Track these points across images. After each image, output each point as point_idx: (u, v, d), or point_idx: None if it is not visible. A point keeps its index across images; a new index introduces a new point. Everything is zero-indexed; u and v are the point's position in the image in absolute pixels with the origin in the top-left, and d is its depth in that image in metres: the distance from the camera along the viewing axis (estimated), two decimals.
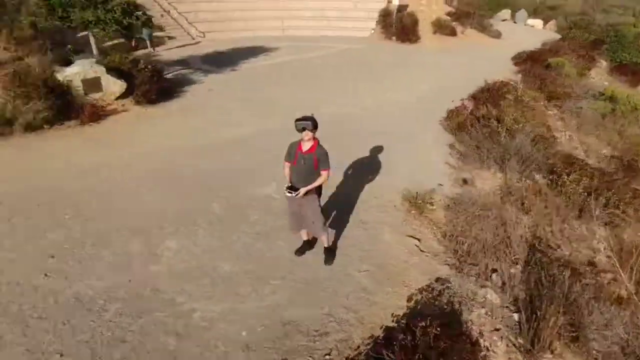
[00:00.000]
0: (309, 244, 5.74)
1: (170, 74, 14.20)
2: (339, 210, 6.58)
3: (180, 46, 19.49)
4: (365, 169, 7.90)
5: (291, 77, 14.71)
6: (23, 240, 5.59)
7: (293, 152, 4.83)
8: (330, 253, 5.62)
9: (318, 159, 4.84)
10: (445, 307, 4.91)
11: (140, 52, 17.28)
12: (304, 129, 4.73)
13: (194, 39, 21.05)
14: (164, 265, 5.29)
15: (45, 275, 5.05)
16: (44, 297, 4.71)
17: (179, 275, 5.13)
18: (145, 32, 17.56)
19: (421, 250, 5.99)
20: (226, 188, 7.00)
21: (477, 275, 5.63)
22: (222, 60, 16.53)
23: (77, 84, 10.06)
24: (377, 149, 8.63)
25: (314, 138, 4.88)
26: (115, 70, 10.91)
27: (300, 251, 5.63)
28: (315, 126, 4.81)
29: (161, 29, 20.58)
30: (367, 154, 8.54)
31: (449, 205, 7.00)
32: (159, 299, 4.76)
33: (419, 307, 4.93)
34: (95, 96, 10.39)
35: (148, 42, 18.12)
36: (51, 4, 10.58)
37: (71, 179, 7.18)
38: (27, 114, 8.88)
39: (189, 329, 4.43)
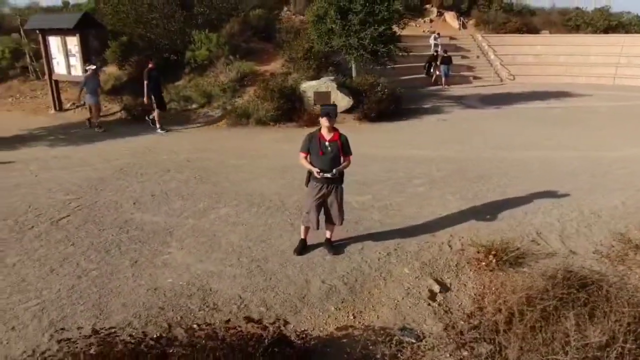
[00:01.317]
0: (306, 242, 5.45)
1: (428, 105, 14.76)
2: None
3: (481, 86, 19.58)
4: None
5: (553, 121, 12.62)
6: (194, 186, 7.80)
7: (315, 143, 4.94)
8: (333, 244, 5.38)
9: (342, 145, 4.99)
10: None
11: (433, 87, 18.57)
12: (327, 114, 4.93)
13: (502, 80, 20.69)
14: None
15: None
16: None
17: None
18: (443, 68, 18.71)
19: (430, 301, 4.60)
20: None
21: None
22: (498, 100, 15.79)
23: (309, 95, 12.11)
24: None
25: (334, 128, 5.05)
26: (349, 89, 12.44)
27: (301, 250, 5.35)
28: (336, 114, 5.14)
29: (471, 69, 21.21)
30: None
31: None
32: None
33: None
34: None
35: (443, 78, 19.07)
36: (320, 32, 13.13)
37: (257, 157, 9.13)
38: (260, 112, 11.45)
39: None
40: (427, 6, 28.20)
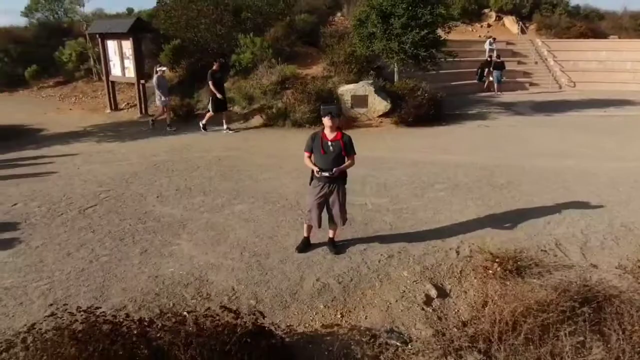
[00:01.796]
0: (309, 240, 5.51)
1: (473, 110, 14.39)
2: None
3: (537, 92, 18.82)
4: None
5: (605, 129, 11.89)
6: (217, 182, 8.19)
7: (318, 142, 5.02)
8: (335, 244, 5.42)
9: (345, 145, 5.01)
10: None
11: (484, 94, 18.09)
12: (329, 113, 4.97)
13: (560, 87, 19.76)
14: None
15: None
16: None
17: None
18: (495, 74, 18.20)
19: (424, 306, 4.53)
20: None
21: None
22: (551, 107, 15.09)
23: (347, 98, 12.17)
24: None
25: (338, 127, 5.08)
26: (388, 93, 12.38)
27: (303, 249, 5.41)
28: (338, 113, 5.10)
29: (528, 75, 20.43)
30: None
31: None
32: None
33: None
34: (360, 110, 12.21)
35: (496, 85, 18.51)
36: (362, 36, 13.18)
37: (285, 157, 9.48)
38: (297, 114, 11.66)
39: None
40: (486, 10, 27.45)
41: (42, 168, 8.78)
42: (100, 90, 16.61)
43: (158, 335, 3.58)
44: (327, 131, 5.02)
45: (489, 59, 19.01)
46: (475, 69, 19.27)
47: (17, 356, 3.18)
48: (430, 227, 5.95)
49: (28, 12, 27.91)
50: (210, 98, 11.78)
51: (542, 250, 5.35)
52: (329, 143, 4.97)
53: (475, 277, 5.01)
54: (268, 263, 5.10)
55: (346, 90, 12.26)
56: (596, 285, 4.67)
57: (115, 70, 14.58)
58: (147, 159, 9.24)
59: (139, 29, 13.57)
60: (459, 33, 24.84)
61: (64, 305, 3.60)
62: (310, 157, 5.07)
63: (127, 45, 13.68)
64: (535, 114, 14.20)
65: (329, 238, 5.37)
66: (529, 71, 20.73)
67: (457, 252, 5.35)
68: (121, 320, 3.64)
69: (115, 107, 15.17)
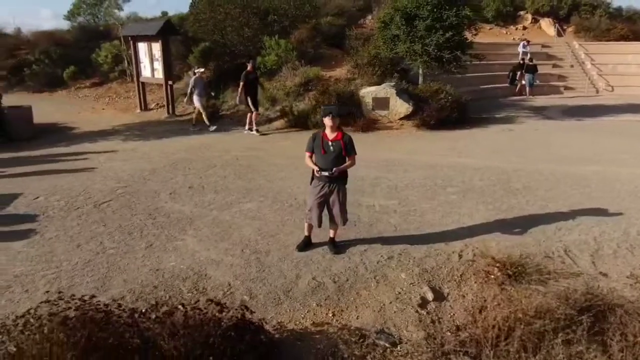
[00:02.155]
0: (310, 239, 5.55)
1: (501, 114, 14.11)
2: None
3: (572, 97, 18.25)
4: None
5: (632, 135, 11.43)
6: (230, 181, 8.31)
7: (318, 142, 5.06)
8: (336, 243, 5.43)
9: (345, 145, 5.02)
10: None
11: (515, 97, 17.72)
12: (330, 113, 5.01)
13: (597, 92, 19.09)
14: None
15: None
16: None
17: None
18: (527, 77, 17.81)
19: (419, 308, 4.50)
20: None
21: None
22: (584, 112, 14.60)
23: (368, 100, 12.16)
24: None
25: (338, 127, 5.11)
26: (410, 95, 12.28)
27: (304, 247, 5.44)
28: (338, 114, 5.12)
29: (563, 78, 19.86)
30: None
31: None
32: None
33: None
34: (381, 113, 12.16)
35: (528, 88, 18.08)
36: (386, 38, 13.15)
37: (301, 158, 9.58)
38: (318, 115, 11.70)
39: None
40: (521, 12, 26.81)
41: (67, 165, 9.16)
42: (132, 91, 17.15)
43: (145, 325, 3.68)
44: (327, 131, 5.04)
45: (521, 61, 18.54)
46: (507, 72, 18.84)
47: (13, 339, 3.33)
48: (436, 230, 5.88)
49: (70, 15, 29.13)
50: (248, 98, 11.75)
51: (548, 256, 5.19)
52: (330, 143, 4.99)
53: (475, 282, 4.92)
54: (267, 260, 5.15)
55: (367, 93, 12.23)
56: (601, 293, 4.51)
57: (146, 72, 15.04)
58: (167, 157, 9.50)
59: (168, 32, 13.94)
60: (492, 35, 24.42)
61: (59, 293, 3.73)
62: (311, 157, 5.11)
63: (157, 47, 14.09)
64: (565, 118, 13.76)
65: (330, 238, 5.39)
66: (565, 75, 20.12)
67: (460, 256, 5.26)
68: (113, 309, 3.76)
69: (145, 107, 15.64)
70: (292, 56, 13.96)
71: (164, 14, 22.85)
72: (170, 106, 14.55)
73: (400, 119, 12.08)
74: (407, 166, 8.61)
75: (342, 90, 12.14)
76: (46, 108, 16.29)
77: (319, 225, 5.24)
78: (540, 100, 17.26)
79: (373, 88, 12.35)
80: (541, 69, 19.03)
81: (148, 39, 14.25)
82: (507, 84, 18.70)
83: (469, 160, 8.92)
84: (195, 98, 12.35)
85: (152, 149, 10.43)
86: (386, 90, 12.07)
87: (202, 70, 12.55)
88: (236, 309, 3.94)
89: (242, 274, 4.88)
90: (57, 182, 7.90)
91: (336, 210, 5.15)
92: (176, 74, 17.20)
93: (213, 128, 12.25)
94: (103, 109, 16.37)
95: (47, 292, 4.13)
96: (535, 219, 6.14)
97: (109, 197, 7.07)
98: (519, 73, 18.54)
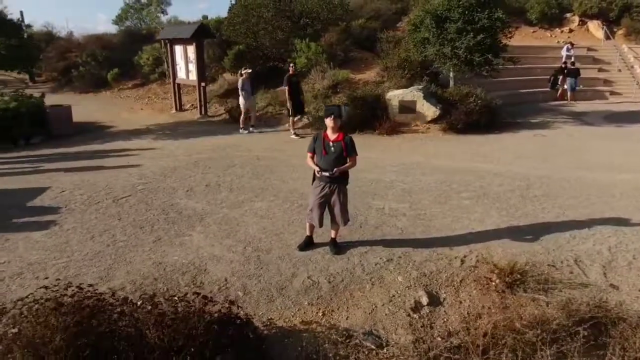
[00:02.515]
0: (311, 239, 5.61)
1: (536, 119, 13.72)
2: None
3: (617, 102, 17.44)
4: None
5: None
6: (246, 180, 8.49)
7: (320, 143, 5.12)
8: (337, 244, 5.48)
9: (346, 145, 5.07)
10: None
11: (556, 102, 17.17)
12: (331, 114, 5.08)
13: None
14: None
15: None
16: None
17: None
18: (569, 81, 17.23)
19: (411, 312, 4.48)
20: None
21: None
22: (627, 118, 13.93)
23: (395, 103, 12.08)
24: None
25: (340, 129, 5.17)
26: (439, 99, 12.13)
27: (305, 247, 5.50)
28: (340, 115, 5.18)
29: (609, 83, 19.02)
30: None
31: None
32: None
33: None
34: (407, 116, 12.06)
35: (569, 93, 17.45)
36: (416, 41, 13.04)
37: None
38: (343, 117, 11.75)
39: None
40: (568, 15, 25.81)
41: (97, 161, 9.60)
42: (170, 92, 17.74)
43: (135, 315, 3.83)
44: (329, 132, 5.08)
45: (563, 65, 17.88)
46: (548, 76, 18.22)
47: (14, 320, 3.55)
48: (442, 235, 5.79)
49: (118, 20, 30.56)
50: (289, 102, 11.76)
51: (556, 265, 5.02)
52: (331, 144, 5.04)
53: (475, 289, 4.83)
54: (267, 258, 5.24)
55: (394, 95, 12.15)
56: (608, 306, 4.32)
57: (181, 73, 15.53)
58: (191, 156, 9.78)
59: (202, 35, 14.34)
60: (536, 38, 23.69)
61: (57, 280, 3.95)
62: (312, 157, 5.15)
63: (191, 50, 14.52)
64: (605, 124, 13.17)
65: (331, 238, 5.42)
66: (611, 79, 19.23)
67: (462, 261, 5.16)
68: (106, 298, 3.94)
69: (180, 107, 16.15)
70: (321, 59, 14.03)
71: (204, 17, 23.48)
72: (202, 107, 14.94)
73: (427, 122, 11.93)
74: (425, 170, 8.50)
75: (368, 93, 12.08)
76: (89, 107, 17.13)
77: (320, 225, 5.27)
78: (581, 106, 16.58)
79: (400, 91, 12.26)
80: (586, 73, 18.29)
81: (183, 41, 14.70)
82: (548, 89, 18.06)
83: (491, 166, 8.70)
84: (240, 99, 12.40)
85: (179, 147, 10.76)
86: (413, 93, 11.95)
87: (250, 71, 12.54)
88: (222, 304, 4.03)
89: (240, 271, 4.98)
90: (84, 177, 8.29)
91: (337, 210, 5.17)
92: (212, 75, 17.69)
93: (245, 132, 12.39)
94: (141, 109, 17.01)
95: (46, 278, 4.33)
96: (549, 227, 5.94)
97: (129, 193, 7.36)
98: (560, 77, 17.86)
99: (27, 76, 24.16)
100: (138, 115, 15.96)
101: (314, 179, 5.23)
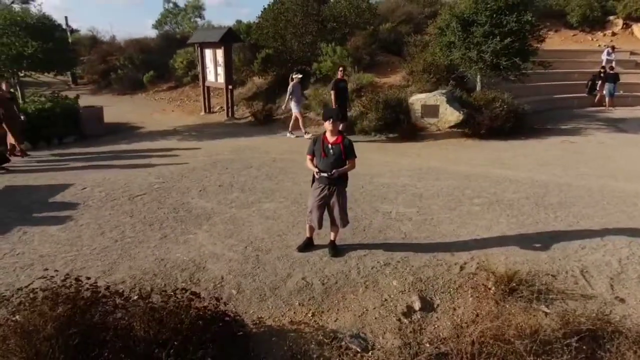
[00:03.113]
0: (311, 241, 5.66)
1: (568, 125, 13.32)
2: None
3: None
4: None
5: None
6: (260, 181, 8.70)
7: (319, 145, 5.17)
8: (335, 246, 5.52)
9: (345, 148, 5.13)
10: None
11: (593, 108, 16.63)
12: (330, 117, 5.14)
13: None
14: None
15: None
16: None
17: None
18: (607, 87, 16.65)
19: (402, 317, 4.47)
20: None
21: None
22: None
23: (417, 107, 11.98)
24: None
25: (339, 132, 5.25)
26: (463, 103, 11.95)
27: (304, 248, 5.55)
28: (338, 117, 5.25)
29: None
30: None
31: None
32: None
33: None
34: (430, 121, 11.94)
35: (608, 98, 16.85)
36: (441, 45, 12.90)
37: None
38: (364, 122, 11.80)
39: None
40: (611, 18, 24.86)
41: (122, 161, 9.98)
42: (201, 95, 18.18)
43: (126, 307, 3.98)
44: (328, 135, 5.13)
45: (602, 70, 17.24)
46: (586, 81, 17.62)
47: (13, 308, 3.76)
48: (446, 240, 5.73)
49: (158, 25, 31.57)
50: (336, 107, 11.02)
51: (558, 275, 4.86)
52: (330, 146, 5.08)
53: (472, 296, 4.75)
54: (265, 258, 5.32)
55: (417, 100, 12.04)
56: (610, 319, 4.18)
57: (210, 76, 15.90)
58: (211, 157, 10.02)
59: (230, 39, 14.65)
60: (576, 42, 22.98)
61: (55, 271, 4.15)
62: (312, 159, 5.20)
63: (220, 54, 14.86)
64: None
65: (330, 240, 5.44)
66: None
67: (462, 268, 5.09)
68: (101, 290, 4.10)
69: (209, 110, 16.54)
70: (347, 62, 14.07)
71: (238, 22, 23.96)
72: (229, 110, 15.24)
73: (450, 127, 11.76)
74: (440, 175, 8.39)
75: (391, 97, 12.02)
76: (123, 108, 17.79)
77: (319, 227, 5.31)
78: (620, 112, 15.93)
79: (423, 95, 12.14)
80: (627, 78, 17.57)
81: (213, 45, 15.06)
82: (585, 94, 17.45)
83: (510, 172, 8.50)
84: (292, 104, 12.19)
85: (202, 148, 11.02)
86: (436, 97, 11.81)
87: (300, 75, 12.38)
88: (210, 300, 4.14)
89: (237, 269, 5.08)
90: (106, 175, 8.63)
91: (336, 212, 5.20)
92: (241, 79, 18.02)
93: (309, 136, 12.06)
94: (173, 110, 17.51)
95: (55, 270, 4.53)
96: (559, 236, 5.76)
97: (145, 191, 7.62)
98: (599, 82, 17.22)
99: (69, 78, 25.27)
100: (168, 117, 16.44)
101: (313, 181, 5.27)
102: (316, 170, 5.08)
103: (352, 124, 12.06)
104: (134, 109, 17.97)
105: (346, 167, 5.10)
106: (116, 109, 16.92)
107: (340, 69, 11.88)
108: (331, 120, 5.04)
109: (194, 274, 5.01)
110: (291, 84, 12.14)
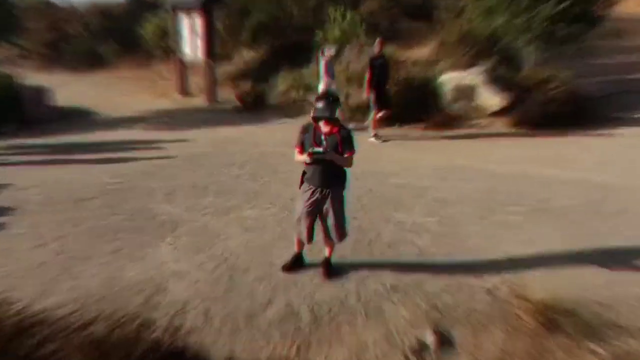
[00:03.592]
0: (300, 258, 5.69)
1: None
2: None
3: None
4: None
5: None
6: (242, 182, 8.86)
7: (310, 135, 5.19)
8: (330, 265, 5.55)
9: (342, 140, 5.13)
10: None
11: None
12: (322, 119, 5.11)
13: None
14: None
15: None
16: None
17: None
18: None
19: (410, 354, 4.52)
20: None
21: None
22: None
23: (448, 90, 12.01)
24: None
25: (337, 121, 5.23)
26: (506, 84, 11.96)
27: (291, 267, 5.60)
28: (333, 116, 5.10)
29: None
30: None
31: None
32: None
33: None
34: (464, 106, 11.96)
35: None
36: (480, 10, 12.93)
37: None
38: None
39: None
40: None
41: (70, 155, 10.12)
42: (176, 73, 18.32)
43: (62, 339, 4.07)
44: (321, 123, 5.14)
45: None
46: None
47: None
48: (471, 258, 5.76)
49: None
50: (371, 92, 10.93)
51: (615, 305, 4.86)
52: (323, 136, 5.11)
53: (501, 329, 4.77)
54: (242, 279, 5.39)
55: (448, 79, 12.07)
56: None
57: (187, 50, 15.98)
58: (186, 150, 10.15)
59: (212, 2, 14.75)
60: None
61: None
62: (301, 152, 5.23)
63: (199, 21, 14.96)
64: None
65: (324, 257, 5.47)
66: None
67: (490, 293, 5.11)
68: (27, 317, 4.21)
69: (184, 91, 16.63)
70: (359, 31, 14.11)
71: None
72: (210, 91, 15.35)
73: (490, 114, 11.77)
74: (470, 175, 8.45)
75: (415, 76, 12.05)
76: (78, 89, 18.02)
77: (309, 241, 5.37)
78: None
79: (455, 74, 12.17)
80: None
81: (191, 10, 15.15)
82: None
83: (561, 172, 8.52)
84: (322, 86, 11.76)
85: (173, 140, 11.15)
86: (472, 77, 11.84)
87: (333, 50, 12.10)
88: (164, 331, 4.22)
89: (205, 292, 5.16)
90: (50, 173, 8.78)
91: (331, 221, 5.22)
92: (226, 53, 18.15)
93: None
94: (139, 92, 17.66)
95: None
96: (618, 254, 5.79)
97: (95, 194, 7.74)
98: None
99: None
100: (134, 100, 16.62)
101: (302, 182, 5.30)
102: (307, 157, 5.02)
103: (362, 111, 12.04)
104: (91, 90, 18.19)
105: (344, 157, 5.06)
106: (69, 89, 17.12)
107: (377, 41, 11.04)
108: (325, 122, 5.08)
109: (152, 297, 5.09)
110: (323, 61, 11.74)
